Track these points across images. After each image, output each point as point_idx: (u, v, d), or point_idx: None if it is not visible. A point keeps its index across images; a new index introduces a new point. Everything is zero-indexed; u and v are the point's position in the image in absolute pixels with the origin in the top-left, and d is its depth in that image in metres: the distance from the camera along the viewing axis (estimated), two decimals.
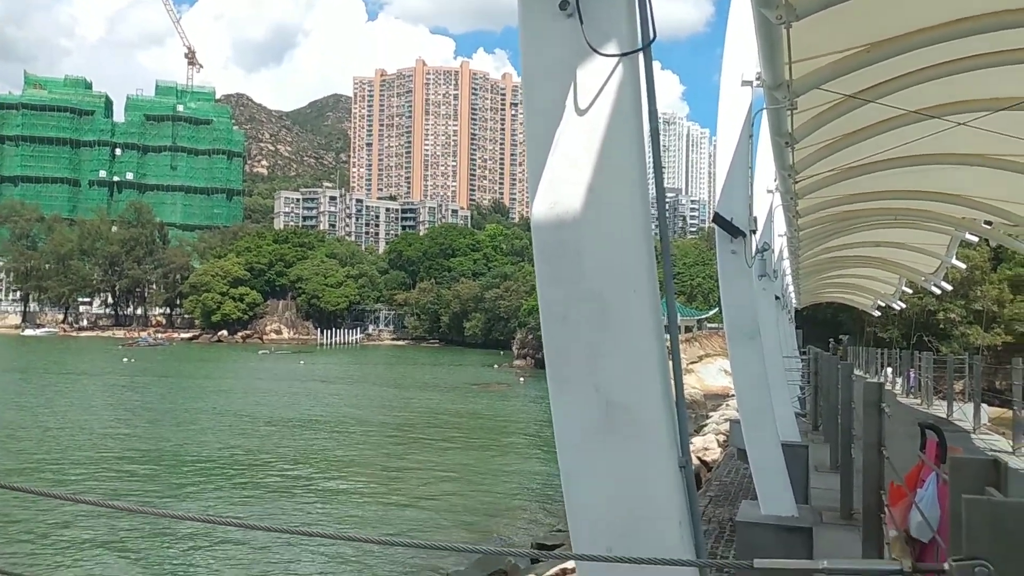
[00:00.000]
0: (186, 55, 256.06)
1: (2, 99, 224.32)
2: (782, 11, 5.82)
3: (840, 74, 7.48)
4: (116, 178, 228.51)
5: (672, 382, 2.78)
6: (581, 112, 2.63)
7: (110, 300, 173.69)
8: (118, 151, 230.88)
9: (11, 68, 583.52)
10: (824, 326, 61.11)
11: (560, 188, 2.65)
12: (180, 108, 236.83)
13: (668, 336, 2.84)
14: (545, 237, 2.69)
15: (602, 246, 2.64)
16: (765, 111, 7.85)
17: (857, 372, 34.21)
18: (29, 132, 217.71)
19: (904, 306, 36.14)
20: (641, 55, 2.65)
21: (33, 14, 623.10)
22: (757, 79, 7.76)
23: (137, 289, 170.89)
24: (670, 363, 2.77)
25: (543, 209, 2.69)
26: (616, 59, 2.59)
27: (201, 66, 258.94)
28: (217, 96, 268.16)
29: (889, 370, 36.73)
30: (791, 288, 24.90)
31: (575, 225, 2.64)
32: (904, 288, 26.34)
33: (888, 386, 31.39)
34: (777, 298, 15.05)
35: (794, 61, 7.15)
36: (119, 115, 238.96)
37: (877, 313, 42.15)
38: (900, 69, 7.85)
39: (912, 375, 30.92)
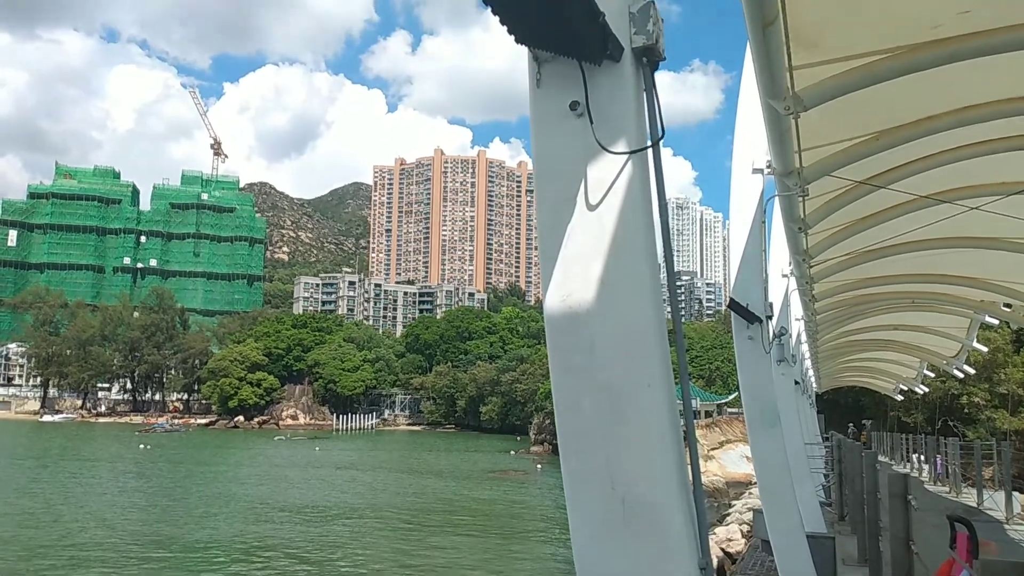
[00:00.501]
0: (212, 146, 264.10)
1: (33, 189, 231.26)
2: (790, 102, 5.96)
3: (850, 161, 7.58)
4: (140, 264, 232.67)
5: (690, 478, 2.72)
6: (592, 207, 2.67)
7: (129, 386, 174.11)
8: (143, 238, 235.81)
9: (44, 159, 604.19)
10: (846, 410, 59.99)
11: (572, 282, 2.68)
12: (204, 196, 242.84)
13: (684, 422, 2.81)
14: (558, 329, 2.70)
15: (615, 340, 2.64)
16: (777, 198, 7.93)
17: (882, 459, 33.37)
18: (58, 220, 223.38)
19: (927, 390, 35.53)
20: (650, 152, 2.71)
21: (67, 108, 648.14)
22: (768, 167, 7.88)
23: (156, 374, 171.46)
24: (687, 455, 2.73)
25: (555, 302, 2.70)
26: (625, 156, 2.65)
27: (226, 156, 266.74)
28: (241, 185, 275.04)
29: (917, 456, 35.74)
30: (811, 372, 24.59)
31: (587, 318, 2.65)
32: (926, 372, 25.94)
33: (915, 473, 30.50)
34: (797, 383, 14.87)
35: (803, 149, 7.28)
36: (145, 203, 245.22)
37: (900, 397, 41.40)
38: (909, 155, 7.95)
39: (939, 462, 30.07)
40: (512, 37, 2.63)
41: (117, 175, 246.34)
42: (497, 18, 2.49)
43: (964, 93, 6.81)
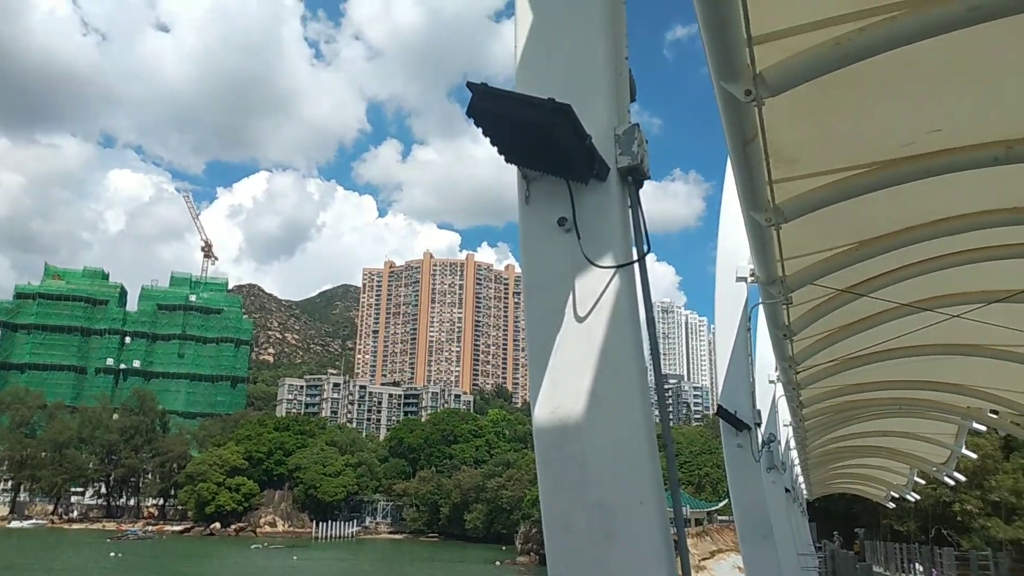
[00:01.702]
0: (203, 248, 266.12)
1: (20, 289, 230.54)
2: (771, 214, 6.15)
3: (832, 270, 7.74)
4: (123, 366, 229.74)
5: None
6: (580, 320, 2.71)
7: (103, 490, 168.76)
8: (128, 339, 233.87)
9: (33, 260, 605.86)
10: (838, 518, 58.79)
11: (562, 394, 2.68)
12: (192, 298, 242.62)
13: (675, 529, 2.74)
14: (547, 444, 2.68)
15: (606, 455, 2.62)
16: (761, 305, 8.04)
17: (877, 569, 32.47)
18: (42, 321, 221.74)
19: (918, 497, 34.96)
20: (637, 266, 2.77)
21: (59, 209, 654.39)
22: (751, 275, 8.03)
23: (132, 479, 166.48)
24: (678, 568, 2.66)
25: (545, 414, 2.70)
26: (613, 270, 2.71)
27: (216, 258, 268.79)
28: (229, 286, 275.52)
29: (918, 567, 34.69)
30: (801, 479, 24.24)
31: (577, 431, 2.64)
32: (916, 479, 25.64)
33: None
34: (787, 491, 14.64)
35: (786, 258, 7.44)
36: (132, 304, 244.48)
37: (891, 505, 40.70)
38: (890, 264, 8.13)
39: (935, 573, 29.32)
40: (503, 157, 2.73)
41: (105, 276, 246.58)
42: (488, 140, 2.59)
43: (939, 206, 7.04)
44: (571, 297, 2.74)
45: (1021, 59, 4.96)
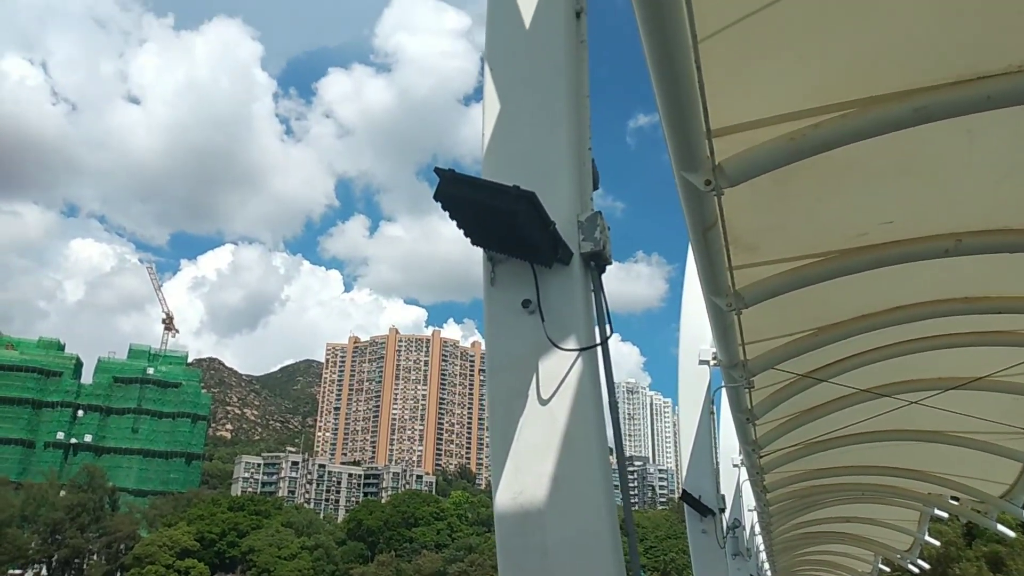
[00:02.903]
0: (163, 320, 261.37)
1: None
2: (731, 299, 6.26)
3: (793, 355, 7.85)
4: (73, 440, 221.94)
5: None
6: (544, 402, 2.71)
7: (44, 572, 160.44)
8: (80, 412, 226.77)
9: None
10: None
11: (525, 477, 2.66)
12: (150, 371, 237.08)
13: None
14: (509, 531, 2.64)
15: (568, 543, 2.58)
16: (724, 388, 8.10)
17: None
18: None
19: None
20: (600, 349, 2.81)
21: (16, 278, 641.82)
22: (714, 359, 8.11)
23: (76, 560, 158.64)
24: None
25: (506, 500, 2.67)
26: (576, 353, 2.74)
27: (177, 331, 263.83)
28: (189, 359, 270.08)
29: None
30: (767, 566, 23.91)
31: (539, 517, 2.61)
32: (881, 566, 25.46)
33: None
34: None
35: (747, 343, 7.54)
36: (87, 376, 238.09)
37: None
38: (849, 350, 8.28)
39: None
40: (469, 240, 2.77)
41: (61, 347, 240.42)
42: (455, 223, 2.64)
43: (894, 294, 7.24)
44: (535, 379, 2.75)
45: (966, 156, 5.21)
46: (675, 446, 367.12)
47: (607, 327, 2.83)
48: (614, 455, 2.82)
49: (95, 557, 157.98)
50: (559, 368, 2.75)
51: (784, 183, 5.31)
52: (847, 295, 7.23)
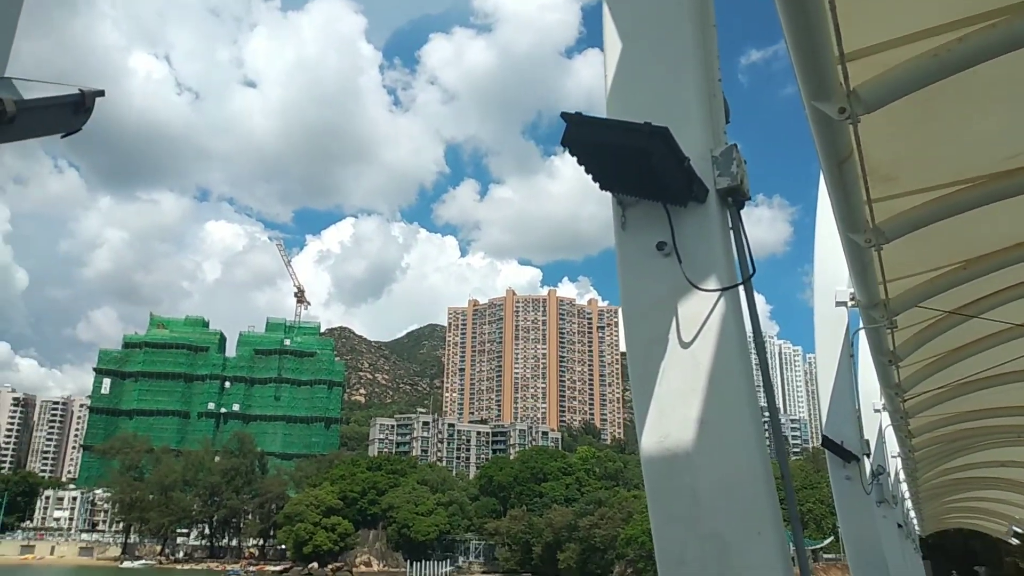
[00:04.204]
0: (296, 294, 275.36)
1: (128, 339, 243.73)
2: (870, 235, 5.92)
3: (938, 291, 7.39)
4: (223, 410, 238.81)
5: None
6: (685, 345, 2.65)
7: (207, 531, 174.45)
8: (227, 384, 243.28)
9: (136, 310, 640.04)
10: (955, 556, 55.34)
11: (669, 422, 2.62)
12: (287, 342, 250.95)
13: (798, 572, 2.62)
14: (657, 474, 2.61)
15: (719, 485, 2.53)
16: (863, 330, 7.72)
17: None
18: (149, 368, 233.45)
19: None
20: (742, 289, 2.71)
21: (160, 261, 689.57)
22: (852, 300, 7.73)
23: (233, 520, 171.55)
24: None
25: (652, 444, 2.63)
26: (717, 294, 2.65)
27: (308, 303, 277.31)
28: (321, 330, 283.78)
29: None
30: (913, 514, 22.95)
31: (688, 461, 2.57)
32: None
33: None
34: (900, 526, 13.89)
35: (888, 281, 7.14)
36: (231, 350, 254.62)
37: (1015, 540, 38.03)
38: (1000, 283, 7.71)
39: None
40: (598, 185, 2.72)
41: (206, 324, 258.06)
42: (583, 168, 2.59)
43: None
44: (674, 322, 2.69)
45: None
46: (807, 394, 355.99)
47: (749, 265, 2.72)
48: (762, 396, 2.72)
49: (250, 516, 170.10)
50: (700, 310, 2.67)
51: (925, 106, 4.94)
52: (997, 224, 6.71)
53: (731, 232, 2.75)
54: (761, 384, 2.66)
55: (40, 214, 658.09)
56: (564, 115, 2.62)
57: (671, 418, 2.62)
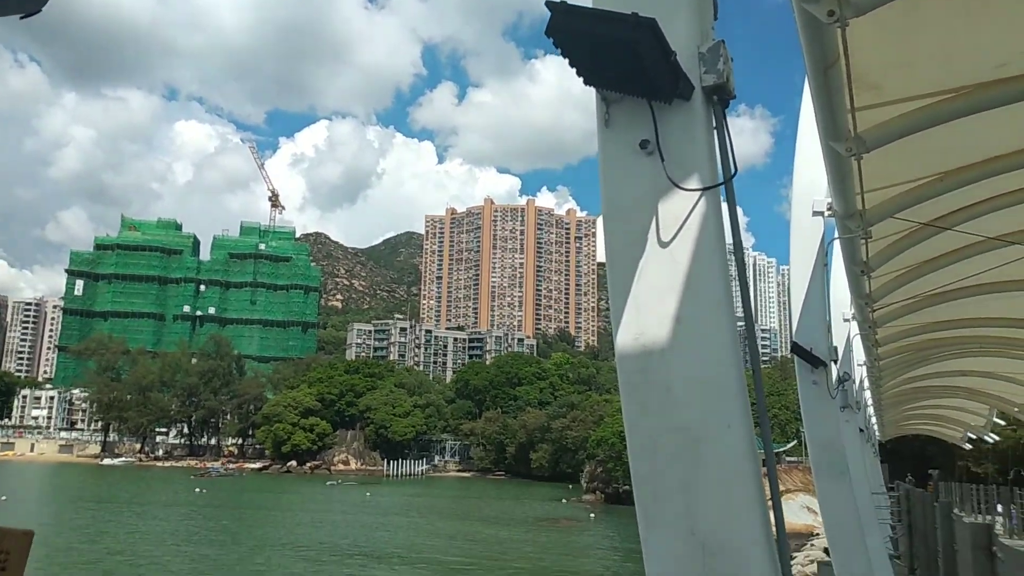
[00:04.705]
0: (270, 198, 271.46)
1: (100, 240, 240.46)
2: (852, 144, 5.89)
3: (914, 203, 7.42)
4: (199, 312, 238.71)
5: (772, 522, 2.63)
6: (664, 245, 2.65)
7: (186, 430, 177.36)
8: (202, 287, 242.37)
9: (107, 211, 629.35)
10: (911, 460, 57.80)
11: (646, 319, 2.64)
12: (262, 247, 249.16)
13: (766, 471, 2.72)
14: (631, 369, 2.65)
15: (692, 378, 2.58)
16: (838, 240, 7.79)
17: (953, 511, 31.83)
18: (122, 271, 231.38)
19: (997, 439, 34.02)
20: (724, 188, 2.69)
21: (129, 162, 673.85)
22: (828, 209, 7.76)
23: (212, 420, 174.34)
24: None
25: (628, 340, 2.67)
26: (698, 193, 2.64)
27: (283, 208, 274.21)
28: (296, 235, 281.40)
29: (999, 507, 33.78)
30: (874, 420, 23.81)
31: (662, 356, 2.61)
32: (996, 420, 24.95)
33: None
34: (861, 431, 14.42)
35: (866, 191, 7.15)
36: (205, 254, 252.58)
37: (968, 446, 39.74)
38: (975, 196, 7.76)
39: (1014, 514, 28.68)
40: (581, 80, 2.65)
41: (179, 227, 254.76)
42: (568, 61, 2.52)
43: None
44: (654, 222, 2.68)
45: None
46: (778, 306, 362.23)
47: (732, 165, 2.70)
48: (739, 297, 2.75)
49: (228, 417, 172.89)
50: (680, 209, 2.66)
51: (914, 11, 4.83)
52: (977, 135, 6.69)
53: (715, 131, 2.72)
54: (737, 284, 2.68)
55: (0, 111, 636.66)
56: (548, 3, 2.52)
57: (647, 315, 2.64)
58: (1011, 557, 4.91)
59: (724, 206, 2.71)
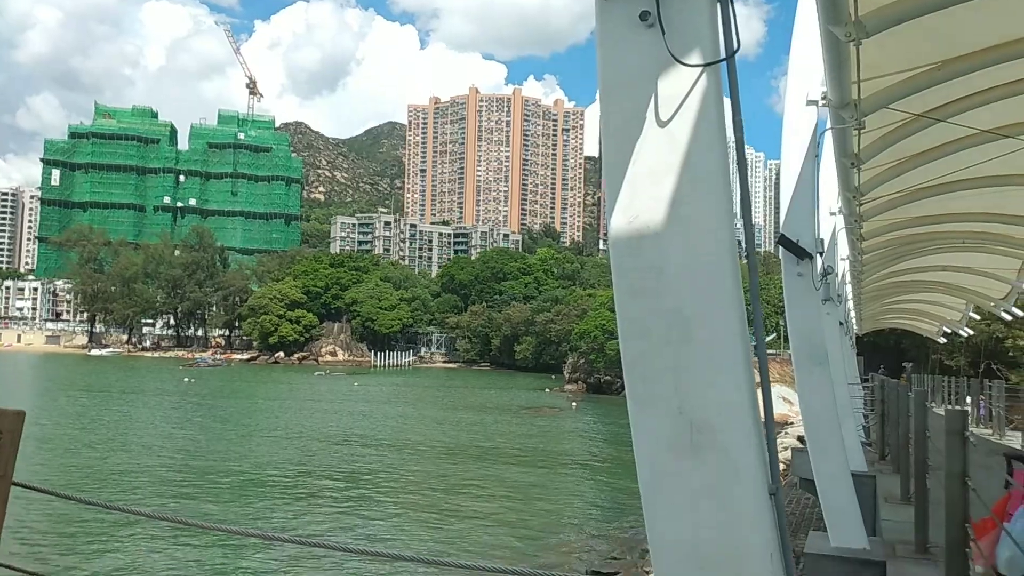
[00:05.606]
0: (247, 85, 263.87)
1: (74, 129, 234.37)
2: (851, 28, 5.69)
3: (909, 92, 7.28)
4: (180, 204, 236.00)
5: (760, 403, 2.67)
6: (662, 123, 2.56)
7: (172, 322, 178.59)
8: (182, 178, 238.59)
9: (79, 98, 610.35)
10: (886, 353, 59.39)
11: (640, 202, 2.58)
12: (241, 136, 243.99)
13: (756, 355, 2.74)
14: (624, 251, 2.61)
15: (685, 261, 2.55)
16: (830, 131, 7.67)
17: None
18: (99, 160, 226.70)
19: (971, 333, 34.84)
20: (725, 65, 2.59)
21: (99, 45, 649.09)
22: (823, 99, 7.59)
23: (198, 311, 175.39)
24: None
25: (622, 223, 2.62)
26: (699, 69, 2.53)
27: (261, 95, 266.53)
28: (276, 124, 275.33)
29: (967, 399, 35.10)
30: (853, 313, 24.25)
31: (656, 239, 2.56)
32: (971, 314, 25.46)
33: None
34: (841, 323, 14.68)
35: (862, 80, 6.97)
36: (183, 143, 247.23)
37: (943, 340, 40.75)
38: (972, 87, 7.61)
39: (982, 404, 29.75)
40: None
41: (155, 115, 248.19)
42: None
43: None
44: (652, 99, 2.58)
45: None
46: (764, 201, 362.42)
47: (734, 40, 2.58)
48: (737, 177, 2.69)
49: (214, 308, 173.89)
50: (680, 86, 2.55)
51: None
52: (978, 23, 6.48)
53: (718, 4, 2.58)
54: (736, 164, 2.61)
55: None
56: None
57: (643, 197, 2.58)
58: (981, 443, 5.08)
59: (725, 83, 2.60)
